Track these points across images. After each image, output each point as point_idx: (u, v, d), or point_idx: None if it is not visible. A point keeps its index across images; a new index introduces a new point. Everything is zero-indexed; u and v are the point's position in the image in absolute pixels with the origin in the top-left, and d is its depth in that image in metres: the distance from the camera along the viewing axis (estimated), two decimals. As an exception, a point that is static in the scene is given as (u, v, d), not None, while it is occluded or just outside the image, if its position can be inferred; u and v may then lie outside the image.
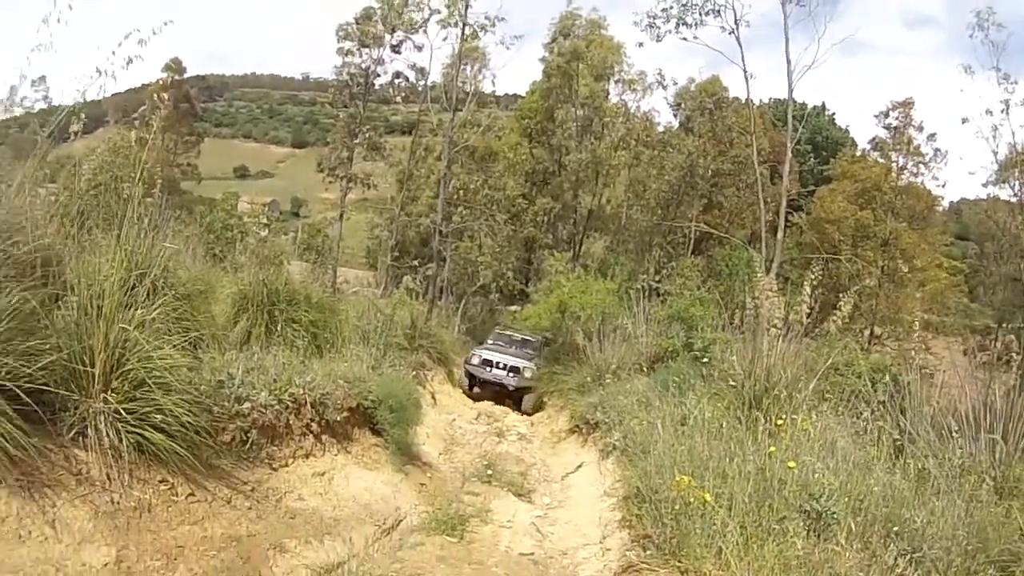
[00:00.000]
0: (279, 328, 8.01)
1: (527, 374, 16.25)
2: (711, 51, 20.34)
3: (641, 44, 21.22)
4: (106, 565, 3.74)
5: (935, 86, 28.80)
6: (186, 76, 34.63)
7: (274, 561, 4.68)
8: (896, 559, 3.88)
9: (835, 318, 8.31)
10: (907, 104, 28.46)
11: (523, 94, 35.86)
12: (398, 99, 28.68)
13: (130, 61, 4.92)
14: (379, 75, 27.26)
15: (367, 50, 26.53)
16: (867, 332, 26.11)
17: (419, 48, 26.57)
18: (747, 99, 22.11)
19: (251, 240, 9.82)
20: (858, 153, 32.78)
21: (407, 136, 35.26)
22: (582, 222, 30.39)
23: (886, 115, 28.83)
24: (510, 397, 16.40)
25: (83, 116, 5.09)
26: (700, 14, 19.31)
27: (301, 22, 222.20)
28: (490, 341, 18.63)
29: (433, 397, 13.08)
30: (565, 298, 17.83)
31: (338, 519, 5.64)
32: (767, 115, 27.76)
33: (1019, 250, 22.05)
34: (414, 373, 12.20)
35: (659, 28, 19.91)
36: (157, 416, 4.39)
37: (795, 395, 7.52)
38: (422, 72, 27.14)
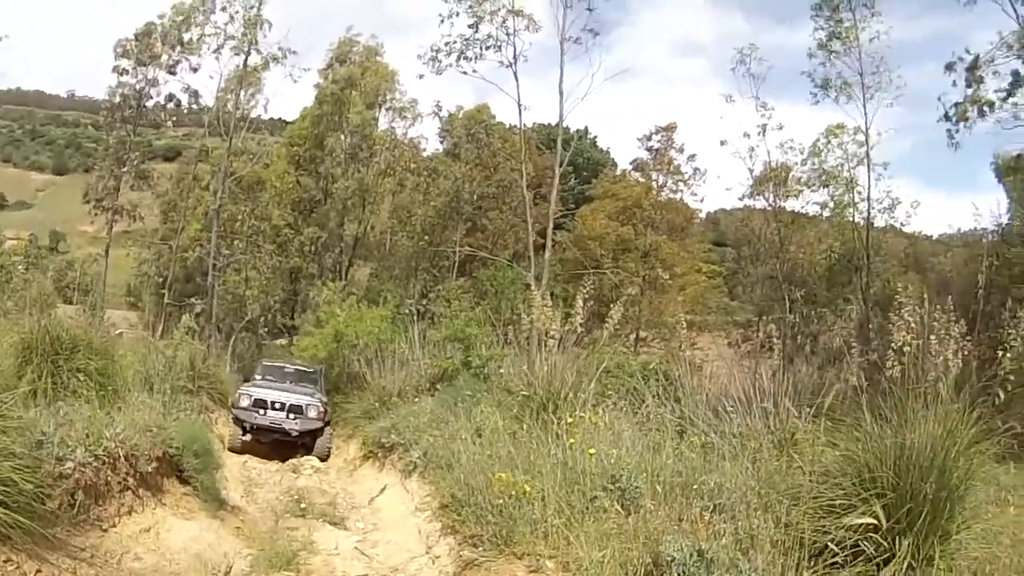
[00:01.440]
0: (64, 378, 7.56)
1: (311, 413, 13.48)
2: (480, 80, 21.56)
3: (421, 76, 22.03)
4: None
5: (698, 110, 32.34)
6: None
7: (135, 628, 4.65)
8: (700, 511, 4.73)
9: (607, 325, 9.41)
10: (669, 128, 31.03)
11: (290, 119, 35.61)
12: (169, 123, 27.59)
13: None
14: (151, 96, 26.08)
15: (143, 69, 25.37)
16: (633, 336, 28.11)
17: (195, 70, 25.73)
18: (520, 128, 23.44)
19: (16, 281, 9.16)
20: (619, 173, 35.18)
21: (170, 163, 33.61)
22: (348, 250, 30.50)
23: (649, 138, 31.26)
24: (295, 444, 13.56)
25: None
26: (481, 49, 20.34)
27: (69, 35, 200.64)
28: (258, 376, 15.25)
29: (222, 440, 12.82)
30: (340, 327, 17.82)
31: (177, 573, 5.66)
32: (532, 140, 29.49)
33: (774, 251, 24.61)
34: (202, 417, 12.03)
35: (440, 62, 20.78)
36: (-9, 489, 4.06)
37: (578, 396, 8.39)
38: (196, 95, 26.37)
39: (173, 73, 25.77)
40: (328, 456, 13.69)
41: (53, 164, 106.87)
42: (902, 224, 24.56)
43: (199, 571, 5.97)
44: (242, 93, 25.91)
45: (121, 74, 25.47)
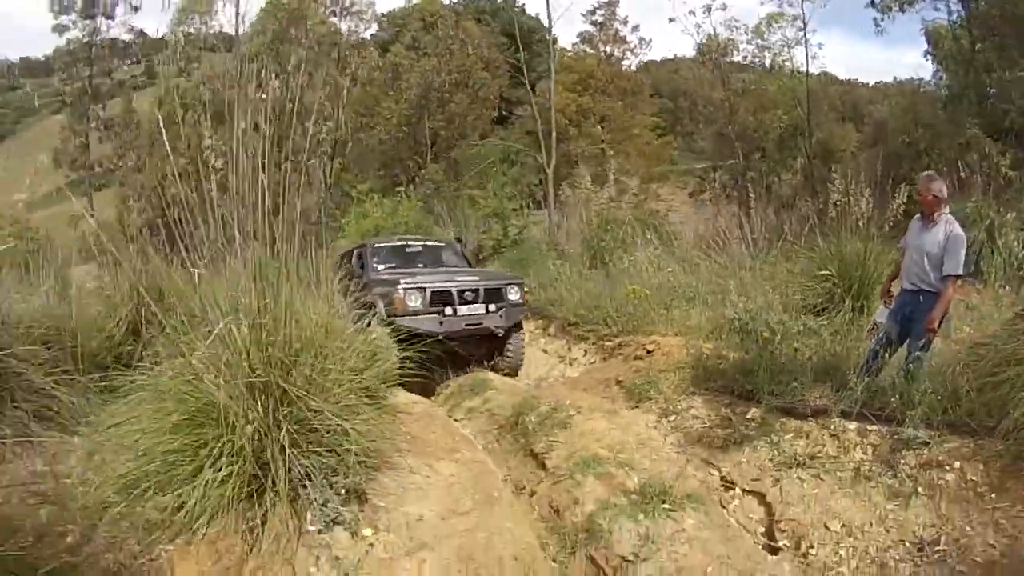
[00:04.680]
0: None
1: (513, 295, 9.51)
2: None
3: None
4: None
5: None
6: None
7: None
8: (737, 297, 8.11)
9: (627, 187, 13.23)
10: (611, 3, 33.39)
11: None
12: (125, 66, 28.52)
13: None
14: (99, 45, 27.34)
15: (86, 22, 26.38)
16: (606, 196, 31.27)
17: (136, 8, 27.13)
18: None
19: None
20: (567, 45, 37.21)
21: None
22: (328, 152, 32.26)
23: (593, 13, 33.67)
24: (482, 345, 9.56)
25: None
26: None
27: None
28: (379, 265, 10.24)
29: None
30: (379, 221, 19.17)
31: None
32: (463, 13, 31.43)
33: (724, 113, 27.90)
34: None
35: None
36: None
37: (615, 245, 12.31)
38: (142, 34, 27.69)
39: (111, 18, 27.09)
40: (522, 365, 10.10)
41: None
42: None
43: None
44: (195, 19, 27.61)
45: (62, 32, 26.72)
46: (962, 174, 11.73)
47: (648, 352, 8.09)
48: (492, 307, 9.21)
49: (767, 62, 28.00)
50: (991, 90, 18.95)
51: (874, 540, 4.52)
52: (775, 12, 26.59)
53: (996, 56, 18.85)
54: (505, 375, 9.35)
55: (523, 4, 46.16)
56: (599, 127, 30.91)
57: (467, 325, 9.02)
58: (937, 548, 4.27)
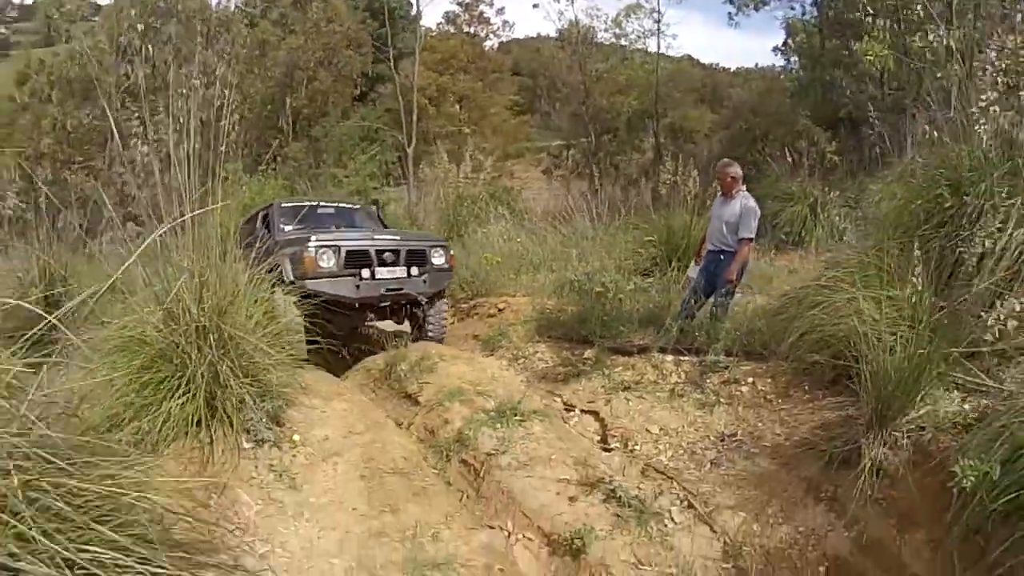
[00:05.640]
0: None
1: (438, 259, 8.53)
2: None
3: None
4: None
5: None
6: None
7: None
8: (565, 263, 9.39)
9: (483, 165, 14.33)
10: None
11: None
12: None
13: None
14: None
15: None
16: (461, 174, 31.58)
17: None
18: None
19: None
20: (431, 25, 37.81)
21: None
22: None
23: None
24: (397, 314, 8.91)
25: None
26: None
27: None
28: (286, 226, 8.72)
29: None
30: (247, 200, 17.66)
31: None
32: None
33: (579, 96, 28.06)
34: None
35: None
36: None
37: (470, 217, 13.38)
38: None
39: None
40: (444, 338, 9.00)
41: None
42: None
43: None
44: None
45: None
46: (790, 159, 13.27)
47: (500, 310, 9.41)
48: (415, 271, 8.18)
49: (624, 47, 28.71)
50: (841, 84, 20.19)
51: (686, 437, 5.75)
52: (634, 4, 27.26)
53: (844, 55, 20.28)
54: None
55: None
56: (457, 107, 31.49)
57: (387, 290, 7.96)
58: (735, 439, 5.52)
